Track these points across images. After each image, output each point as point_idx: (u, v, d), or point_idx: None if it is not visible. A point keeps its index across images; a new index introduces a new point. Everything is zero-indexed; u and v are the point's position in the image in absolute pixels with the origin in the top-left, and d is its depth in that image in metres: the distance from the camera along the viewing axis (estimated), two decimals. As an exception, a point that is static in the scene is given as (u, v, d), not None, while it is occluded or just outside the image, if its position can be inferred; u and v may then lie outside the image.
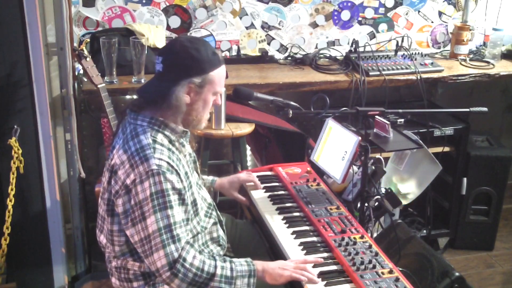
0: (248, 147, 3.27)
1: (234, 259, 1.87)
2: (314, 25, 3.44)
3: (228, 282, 1.80)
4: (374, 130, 2.33)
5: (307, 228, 2.11)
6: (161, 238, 1.75)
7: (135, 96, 3.13)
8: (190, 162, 2.04)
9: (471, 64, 3.41)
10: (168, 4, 3.15)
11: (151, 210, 1.75)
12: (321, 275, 1.85)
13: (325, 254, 1.96)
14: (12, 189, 2.45)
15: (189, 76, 1.83)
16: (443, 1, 3.61)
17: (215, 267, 1.80)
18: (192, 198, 1.94)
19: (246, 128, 2.82)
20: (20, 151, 2.46)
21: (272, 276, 1.85)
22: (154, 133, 1.85)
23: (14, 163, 2.44)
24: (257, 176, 2.45)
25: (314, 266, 1.89)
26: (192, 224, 1.93)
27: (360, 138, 2.11)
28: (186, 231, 1.86)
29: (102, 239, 1.98)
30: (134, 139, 1.83)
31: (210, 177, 2.37)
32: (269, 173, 2.55)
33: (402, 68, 3.21)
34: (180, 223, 1.80)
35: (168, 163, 1.80)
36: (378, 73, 3.14)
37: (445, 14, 3.64)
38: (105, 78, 2.81)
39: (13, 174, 2.45)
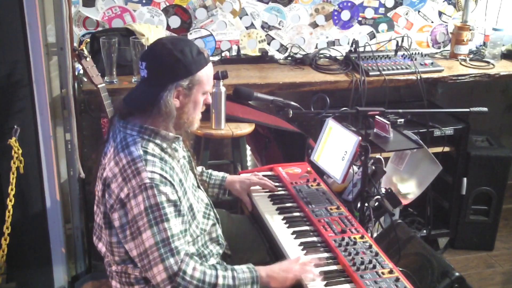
0: (248, 147, 3.27)
1: (236, 267, 1.83)
2: (314, 25, 3.44)
3: None
4: (374, 130, 2.33)
5: (307, 228, 2.11)
6: (159, 252, 1.72)
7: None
8: (185, 164, 2.00)
9: (471, 64, 3.41)
10: (168, 4, 3.15)
11: (146, 224, 1.72)
12: (321, 275, 1.85)
13: (325, 254, 1.95)
14: (12, 189, 2.45)
15: (176, 80, 1.78)
16: (443, 1, 3.61)
17: (217, 277, 1.76)
18: (188, 203, 1.90)
19: (246, 128, 2.81)
20: (20, 151, 2.45)
21: (277, 281, 1.82)
22: (145, 144, 1.80)
23: (14, 163, 2.44)
24: (257, 177, 2.45)
25: (314, 266, 1.88)
26: (191, 228, 1.91)
27: (360, 138, 2.11)
28: (186, 242, 1.81)
29: (101, 247, 1.95)
30: (125, 150, 1.78)
31: (221, 174, 2.35)
32: (269, 173, 2.55)
33: (402, 68, 3.21)
34: (178, 235, 1.76)
35: (160, 175, 1.75)
36: (378, 73, 3.14)
37: (445, 14, 3.64)
38: (105, 78, 2.80)
39: (13, 174, 2.44)
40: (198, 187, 2.12)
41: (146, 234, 1.72)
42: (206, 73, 1.84)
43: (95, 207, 1.93)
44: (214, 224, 2.07)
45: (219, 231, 2.10)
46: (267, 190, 2.37)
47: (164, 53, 1.77)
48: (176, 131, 1.89)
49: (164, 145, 1.84)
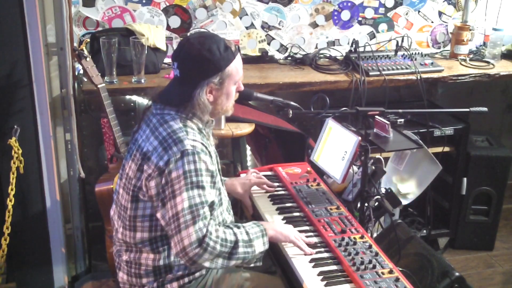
0: (248, 147, 3.27)
1: (244, 224, 1.93)
2: (314, 25, 3.44)
3: (248, 245, 1.87)
4: (374, 130, 2.33)
5: (307, 228, 2.11)
6: (192, 215, 1.77)
7: (134, 97, 3.14)
8: (216, 153, 2.06)
9: (471, 64, 3.41)
10: (168, 4, 3.15)
11: (183, 187, 1.77)
12: (321, 274, 1.85)
13: (325, 254, 1.96)
14: (12, 189, 2.45)
15: (207, 78, 1.86)
16: (443, 1, 3.61)
17: (235, 234, 1.86)
18: (218, 186, 1.95)
19: (246, 128, 2.82)
20: (20, 151, 2.46)
21: (278, 233, 1.96)
22: (183, 120, 1.89)
23: (14, 163, 2.44)
24: (257, 176, 2.45)
25: (314, 266, 1.89)
26: (216, 212, 1.95)
27: (360, 138, 2.11)
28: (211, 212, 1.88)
29: (119, 230, 1.96)
30: (164, 125, 1.86)
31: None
32: (269, 173, 2.55)
33: (402, 68, 3.21)
34: (208, 204, 1.81)
35: (202, 144, 1.84)
36: (378, 73, 3.13)
37: (445, 14, 3.64)
38: (105, 78, 2.80)
39: (13, 174, 2.45)
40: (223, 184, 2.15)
41: (181, 197, 1.77)
42: (235, 66, 1.93)
43: (120, 192, 1.96)
44: (232, 221, 2.11)
45: None
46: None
47: (193, 54, 1.85)
48: (211, 117, 1.99)
49: (200, 125, 1.93)
